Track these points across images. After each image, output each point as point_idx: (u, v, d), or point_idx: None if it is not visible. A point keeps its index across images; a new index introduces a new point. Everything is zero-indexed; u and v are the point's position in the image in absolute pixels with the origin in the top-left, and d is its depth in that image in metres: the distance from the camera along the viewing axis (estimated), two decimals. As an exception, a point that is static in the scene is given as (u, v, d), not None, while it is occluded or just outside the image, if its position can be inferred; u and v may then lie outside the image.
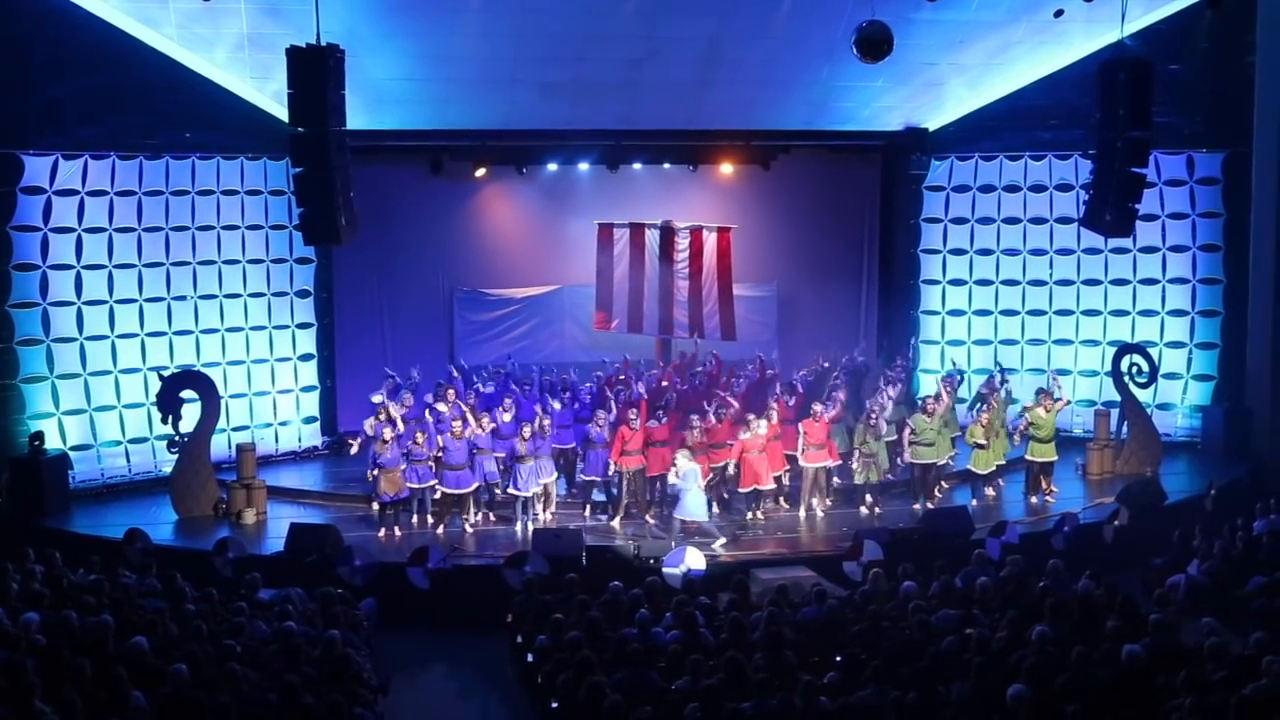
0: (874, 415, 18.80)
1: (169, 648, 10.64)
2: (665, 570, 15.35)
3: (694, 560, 15.62)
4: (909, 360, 22.23)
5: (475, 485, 18.27)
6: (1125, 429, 21.26)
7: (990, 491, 19.45)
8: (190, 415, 18.93)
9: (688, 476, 17.08)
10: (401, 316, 23.96)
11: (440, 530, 18.07)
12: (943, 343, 24.55)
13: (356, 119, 16.42)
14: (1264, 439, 21.24)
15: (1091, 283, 23.42)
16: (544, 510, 18.53)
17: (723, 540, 17.08)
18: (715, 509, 18.08)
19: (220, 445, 20.40)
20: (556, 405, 19.30)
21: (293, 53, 15.29)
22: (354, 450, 18.97)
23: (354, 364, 22.98)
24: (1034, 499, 19.46)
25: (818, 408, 18.75)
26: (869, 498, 18.80)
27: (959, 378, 21.62)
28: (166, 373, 19.77)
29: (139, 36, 19.11)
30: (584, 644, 11.57)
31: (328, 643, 11.36)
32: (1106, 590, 13.00)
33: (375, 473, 17.97)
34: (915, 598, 12.98)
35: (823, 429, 18.60)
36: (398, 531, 17.97)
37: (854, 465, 18.94)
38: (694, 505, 17.15)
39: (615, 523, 18.30)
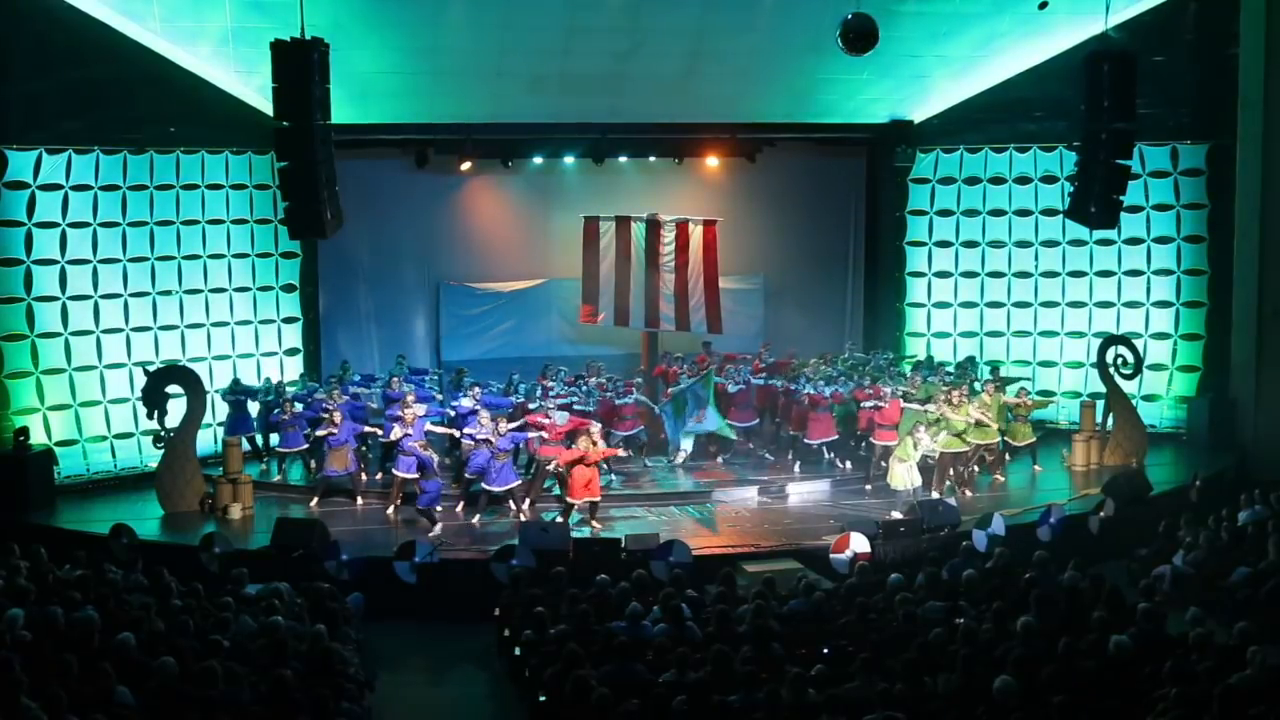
0: (919, 425, 18.83)
1: (155, 643, 10.61)
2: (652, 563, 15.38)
3: (680, 553, 15.67)
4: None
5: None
6: (1110, 420, 21.32)
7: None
8: (176, 410, 18.87)
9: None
10: (387, 311, 23.98)
11: (392, 511, 18.35)
12: (929, 335, 24.61)
13: (341, 112, 16.40)
14: (1249, 430, 21.35)
15: (1077, 274, 23.49)
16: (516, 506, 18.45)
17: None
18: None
19: (206, 440, 20.35)
20: (467, 401, 19.55)
21: (277, 46, 15.27)
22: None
23: (340, 358, 22.95)
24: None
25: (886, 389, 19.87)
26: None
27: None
28: (152, 368, 19.71)
29: (123, 30, 19.03)
30: (571, 637, 11.59)
31: (314, 637, 11.35)
32: (1092, 581, 13.05)
33: (325, 450, 18.80)
34: (902, 589, 13.01)
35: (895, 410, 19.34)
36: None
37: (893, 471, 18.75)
38: None
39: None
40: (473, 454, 18.17)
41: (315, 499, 18.94)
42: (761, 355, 22.54)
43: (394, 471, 18.33)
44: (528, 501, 18.45)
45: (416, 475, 17.85)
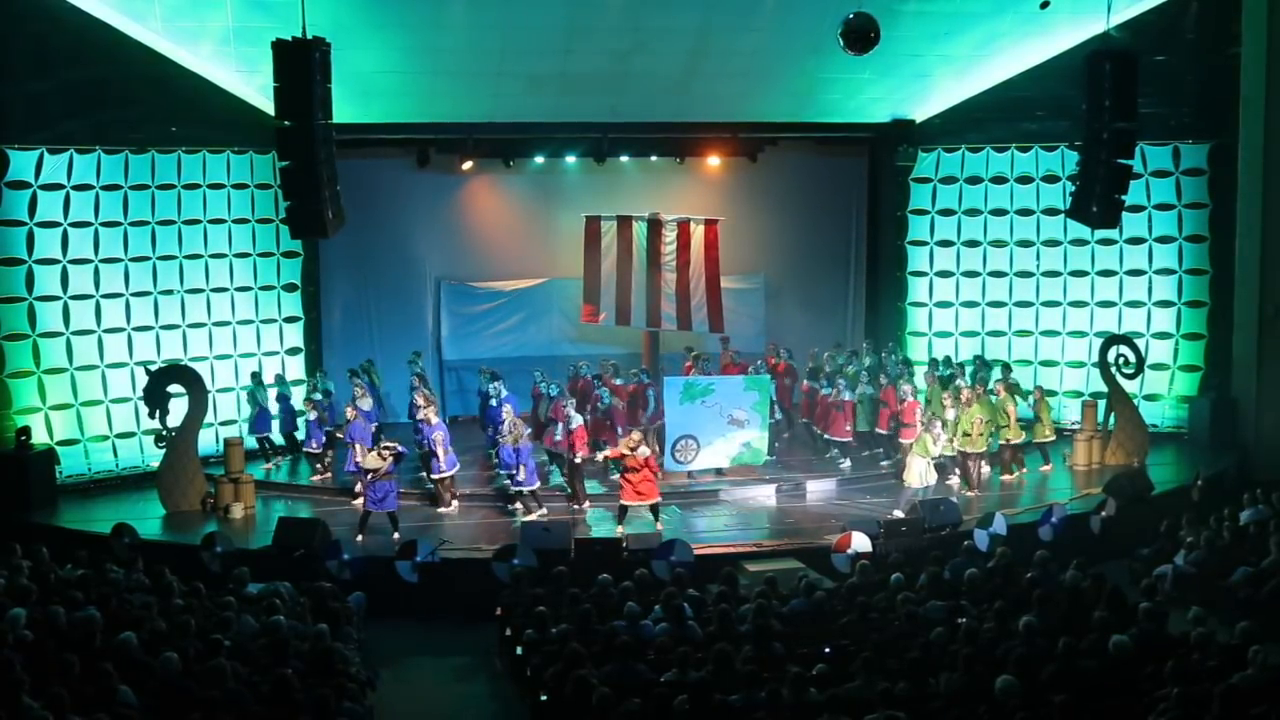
0: (936, 422, 18.91)
1: (157, 643, 10.62)
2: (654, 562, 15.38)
3: (682, 552, 15.66)
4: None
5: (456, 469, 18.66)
6: (1112, 420, 21.31)
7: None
8: (178, 410, 18.88)
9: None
10: (388, 310, 23.97)
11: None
12: (930, 334, 24.60)
13: (343, 112, 16.39)
14: (1250, 429, 21.35)
15: (1078, 274, 23.46)
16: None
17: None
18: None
19: (208, 440, 20.35)
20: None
21: (278, 46, 15.26)
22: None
23: (341, 358, 22.94)
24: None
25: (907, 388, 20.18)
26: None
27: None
28: (154, 367, 19.71)
29: (124, 30, 19.03)
30: (573, 637, 11.59)
31: (316, 637, 11.36)
32: (1094, 581, 13.05)
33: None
34: (903, 589, 13.02)
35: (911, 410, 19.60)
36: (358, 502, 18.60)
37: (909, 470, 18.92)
38: None
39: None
40: (501, 450, 18.37)
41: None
42: (779, 352, 22.44)
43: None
44: (586, 503, 18.57)
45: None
